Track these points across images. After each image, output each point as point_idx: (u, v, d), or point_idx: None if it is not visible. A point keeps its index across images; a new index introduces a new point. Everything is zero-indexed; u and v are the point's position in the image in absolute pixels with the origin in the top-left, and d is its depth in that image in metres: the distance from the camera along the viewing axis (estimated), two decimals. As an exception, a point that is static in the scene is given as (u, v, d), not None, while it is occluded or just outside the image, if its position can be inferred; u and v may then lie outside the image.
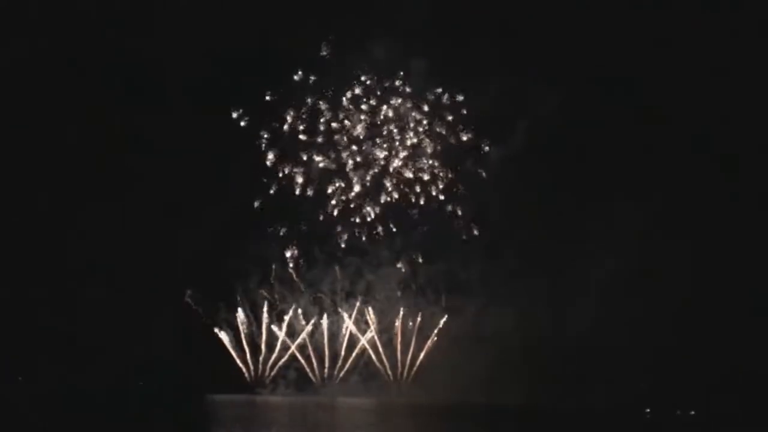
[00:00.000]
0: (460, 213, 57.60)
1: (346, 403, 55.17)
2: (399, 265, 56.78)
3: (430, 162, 57.69)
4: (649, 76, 56.34)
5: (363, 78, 58.02)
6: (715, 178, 55.44)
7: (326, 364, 56.66)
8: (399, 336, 56.73)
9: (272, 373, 56.83)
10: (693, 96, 54.85)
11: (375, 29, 56.22)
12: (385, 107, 57.87)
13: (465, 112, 57.78)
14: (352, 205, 57.28)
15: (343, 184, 57.27)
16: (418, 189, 57.48)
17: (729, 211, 54.55)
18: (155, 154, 56.57)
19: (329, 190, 57.23)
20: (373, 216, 57.16)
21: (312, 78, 57.87)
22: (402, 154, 57.74)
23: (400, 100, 57.88)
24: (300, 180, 57.11)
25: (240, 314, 56.86)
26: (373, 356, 56.78)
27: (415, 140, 57.82)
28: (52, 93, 56.07)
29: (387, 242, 57.03)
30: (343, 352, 56.69)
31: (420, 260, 56.91)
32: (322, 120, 57.86)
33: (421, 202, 57.50)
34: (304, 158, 57.44)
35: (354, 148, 57.70)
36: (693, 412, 54.63)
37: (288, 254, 56.78)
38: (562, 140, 56.59)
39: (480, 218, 57.27)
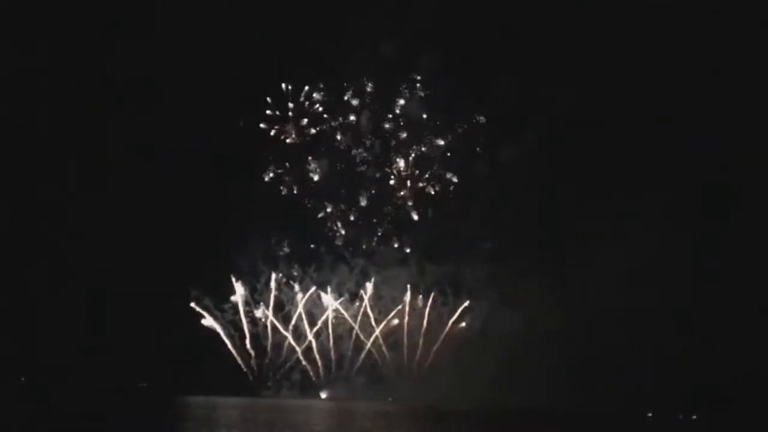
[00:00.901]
0: (468, 213, 57.57)
1: (351, 406, 54.82)
2: (406, 266, 56.73)
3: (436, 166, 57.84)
4: (653, 77, 56.69)
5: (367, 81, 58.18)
6: (717, 179, 55.76)
7: (332, 366, 56.34)
8: (405, 338, 56.50)
9: (276, 375, 56.46)
10: (696, 96, 55.10)
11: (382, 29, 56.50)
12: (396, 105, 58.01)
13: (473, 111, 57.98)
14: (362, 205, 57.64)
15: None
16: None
17: (737, 211, 54.82)
18: (157, 154, 56.22)
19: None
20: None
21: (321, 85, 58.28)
22: (411, 154, 57.92)
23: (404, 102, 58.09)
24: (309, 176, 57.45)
25: (243, 315, 56.62)
26: (379, 358, 56.55)
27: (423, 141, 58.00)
28: (52, 92, 55.71)
29: (395, 243, 57.23)
30: (348, 354, 56.39)
31: (428, 261, 56.79)
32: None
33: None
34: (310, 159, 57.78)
35: (362, 148, 57.97)
36: (695, 416, 54.96)
37: (294, 254, 56.79)
38: (569, 139, 56.59)
39: (488, 218, 56.97)
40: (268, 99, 57.88)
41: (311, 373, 56.54)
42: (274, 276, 56.58)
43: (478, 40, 56.02)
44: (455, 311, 56.74)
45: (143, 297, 54.73)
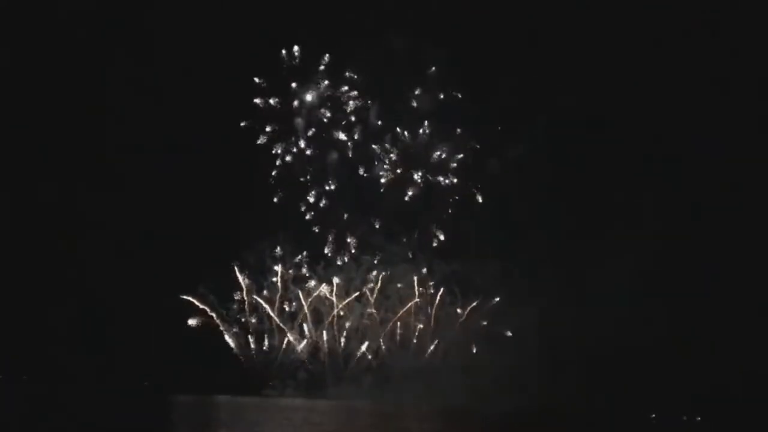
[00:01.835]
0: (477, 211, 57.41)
1: (356, 406, 54.47)
2: (414, 264, 56.29)
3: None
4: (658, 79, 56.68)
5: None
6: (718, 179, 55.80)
7: (338, 365, 55.82)
8: (413, 337, 56.05)
9: (281, 374, 55.90)
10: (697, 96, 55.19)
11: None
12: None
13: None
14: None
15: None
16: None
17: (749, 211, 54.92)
18: (160, 153, 55.60)
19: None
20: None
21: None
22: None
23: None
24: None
25: (249, 312, 56.07)
26: (387, 358, 56.01)
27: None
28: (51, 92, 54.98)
29: (403, 240, 56.66)
30: (355, 353, 55.81)
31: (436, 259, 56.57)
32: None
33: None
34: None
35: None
36: (699, 418, 55.24)
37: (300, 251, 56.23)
38: (580, 137, 56.39)
39: (498, 216, 56.83)
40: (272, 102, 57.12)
41: (317, 372, 55.99)
42: (280, 273, 55.96)
43: (485, 37, 55.61)
44: (464, 310, 56.33)
45: (145, 294, 54.09)
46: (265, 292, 55.99)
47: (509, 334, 55.71)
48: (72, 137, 55.03)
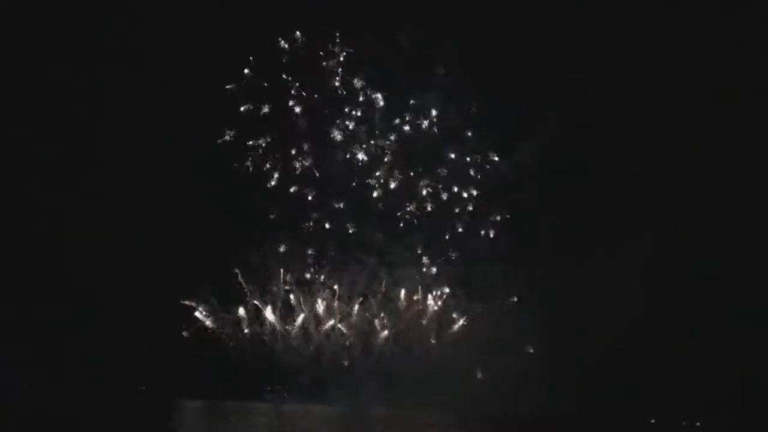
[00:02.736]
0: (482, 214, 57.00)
1: (359, 411, 54.20)
2: (420, 267, 55.87)
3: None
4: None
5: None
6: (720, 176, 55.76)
7: (341, 370, 55.22)
8: (417, 341, 55.60)
9: (283, 379, 55.27)
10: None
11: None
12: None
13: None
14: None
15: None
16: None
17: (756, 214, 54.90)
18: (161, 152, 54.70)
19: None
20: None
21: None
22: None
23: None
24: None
25: (250, 315, 55.42)
26: (390, 362, 55.46)
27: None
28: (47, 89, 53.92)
29: (406, 242, 56.12)
30: (359, 357, 55.31)
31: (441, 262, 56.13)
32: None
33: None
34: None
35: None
36: (698, 423, 55.64)
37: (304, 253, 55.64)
38: (585, 138, 55.99)
39: (503, 219, 56.77)
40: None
41: (319, 377, 55.39)
42: (282, 275, 55.30)
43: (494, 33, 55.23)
44: (470, 314, 55.96)
45: (144, 295, 53.45)
46: (266, 294, 55.21)
47: (514, 338, 55.39)
48: (70, 136, 54.20)
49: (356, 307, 55.41)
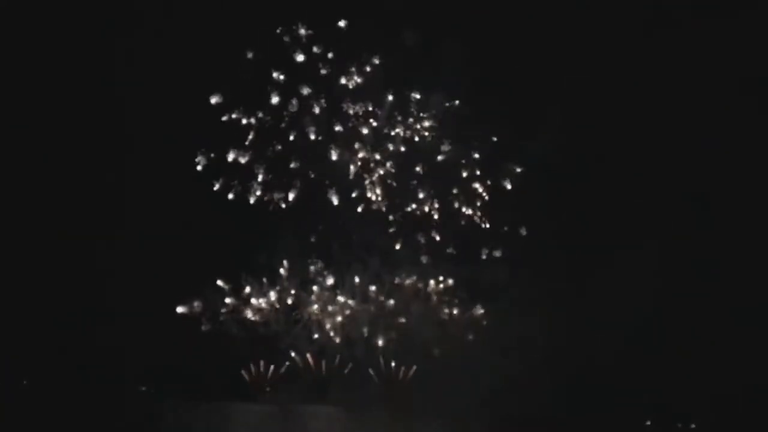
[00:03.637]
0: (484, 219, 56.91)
1: (360, 411, 54.27)
2: (423, 268, 55.67)
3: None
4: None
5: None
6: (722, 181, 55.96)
7: (343, 370, 55.10)
8: (419, 342, 55.20)
9: (283, 379, 55.28)
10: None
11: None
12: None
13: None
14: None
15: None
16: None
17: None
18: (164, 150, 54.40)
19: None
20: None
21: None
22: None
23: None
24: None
25: (252, 315, 55.04)
26: (392, 363, 55.50)
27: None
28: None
29: (409, 244, 55.85)
30: (360, 357, 55.04)
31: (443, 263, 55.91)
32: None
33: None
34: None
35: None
36: (693, 426, 56.24)
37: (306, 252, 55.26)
38: (588, 144, 56.00)
39: (504, 225, 56.59)
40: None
41: (321, 377, 55.36)
42: (284, 274, 55.01)
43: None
44: (472, 315, 55.99)
45: (144, 295, 53.18)
46: (269, 294, 54.94)
47: (515, 340, 55.49)
48: (75, 137, 53.84)
49: (357, 307, 55.29)
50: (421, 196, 56.38)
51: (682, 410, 56.03)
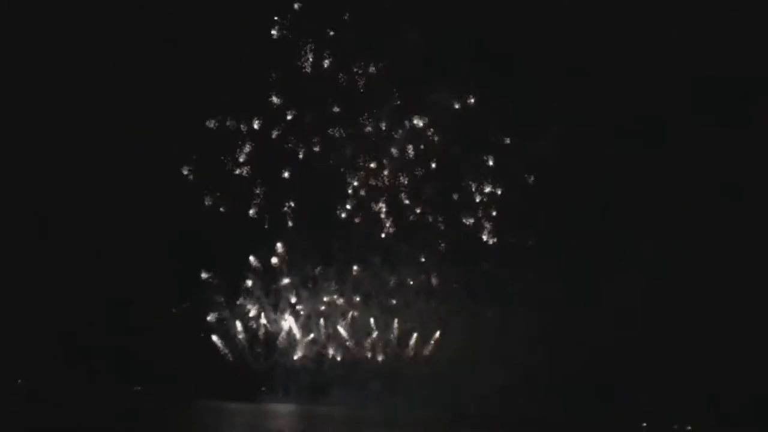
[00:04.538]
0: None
1: (361, 412, 54.08)
2: (424, 268, 55.43)
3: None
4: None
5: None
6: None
7: (344, 370, 54.72)
8: (420, 342, 55.23)
9: (285, 378, 54.70)
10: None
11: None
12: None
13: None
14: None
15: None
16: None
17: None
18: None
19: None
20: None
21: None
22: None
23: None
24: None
25: (249, 314, 54.55)
26: (394, 363, 55.13)
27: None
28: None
29: (408, 243, 55.49)
30: (361, 357, 54.78)
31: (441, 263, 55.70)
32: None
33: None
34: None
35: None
36: (689, 427, 56.73)
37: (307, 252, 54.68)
38: (589, 143, 56.12)
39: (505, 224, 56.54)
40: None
41: (321, 377, 54.95)
42: (284, 273, 54.56)
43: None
44: (473, 315, 55.46)
45: (143, 296, 52.94)
46: (269, 294, 54.43)
47: (516, 340, 55.57)
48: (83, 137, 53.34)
49: (358, 307, 55.05)
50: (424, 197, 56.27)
51: (677, 411, 56.19)
